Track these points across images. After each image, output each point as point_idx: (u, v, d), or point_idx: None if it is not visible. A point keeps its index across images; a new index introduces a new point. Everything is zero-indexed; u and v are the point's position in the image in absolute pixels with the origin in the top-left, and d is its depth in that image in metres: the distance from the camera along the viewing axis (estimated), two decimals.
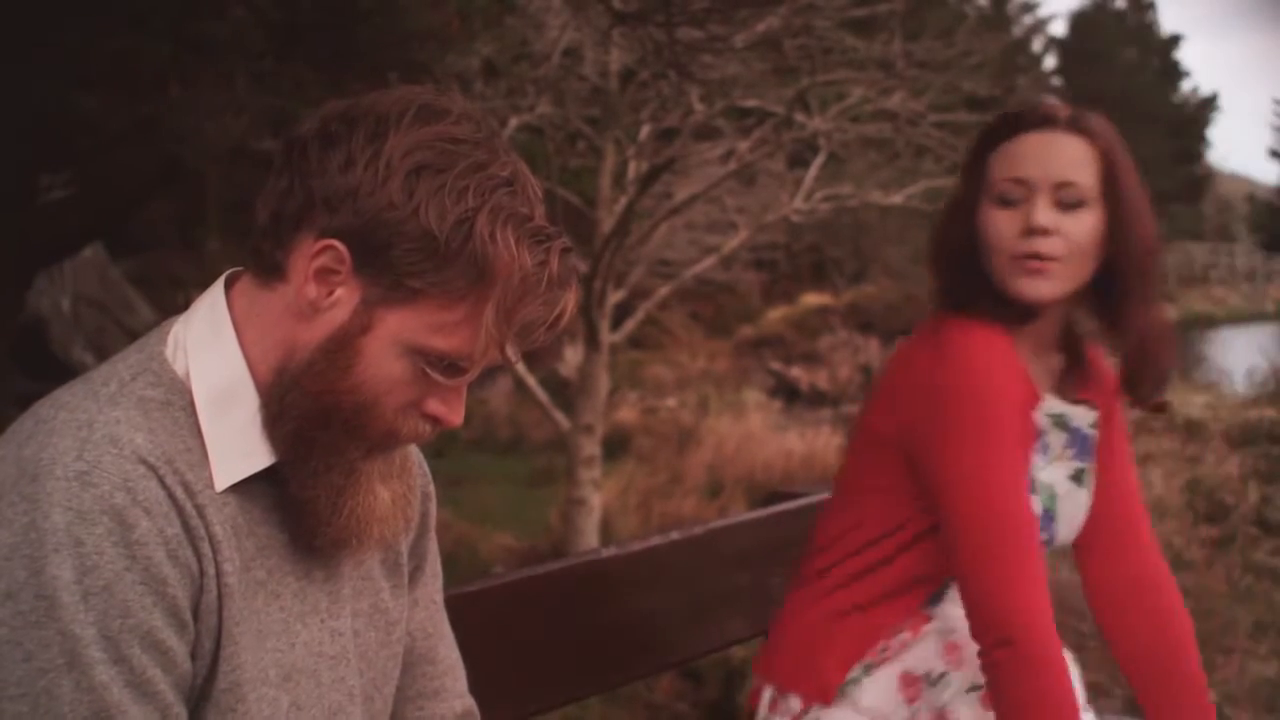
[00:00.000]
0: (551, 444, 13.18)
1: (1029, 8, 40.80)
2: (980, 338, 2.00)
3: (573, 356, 12.30)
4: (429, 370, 1.34)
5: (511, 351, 1.36)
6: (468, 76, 7.37)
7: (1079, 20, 48.61)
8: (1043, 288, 2.00)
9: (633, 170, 8.93)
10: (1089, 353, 2.17)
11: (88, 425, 1.27)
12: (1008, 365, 2.00)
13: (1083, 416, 2.14)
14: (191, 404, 1.35)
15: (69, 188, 6.76)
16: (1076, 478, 2.14)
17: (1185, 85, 51.18)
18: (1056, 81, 45.40)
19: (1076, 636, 5.69)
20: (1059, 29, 61.96)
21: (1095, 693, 5.17)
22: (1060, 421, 2.12)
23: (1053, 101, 2.10)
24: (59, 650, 1.21)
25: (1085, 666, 5.43)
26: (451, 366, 1.35)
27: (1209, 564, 6.44)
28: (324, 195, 1.31)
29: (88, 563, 1.22)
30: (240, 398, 1.36)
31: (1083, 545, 2.22)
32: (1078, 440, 2.14)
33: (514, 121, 8.34)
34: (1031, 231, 1.98)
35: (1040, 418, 2.08)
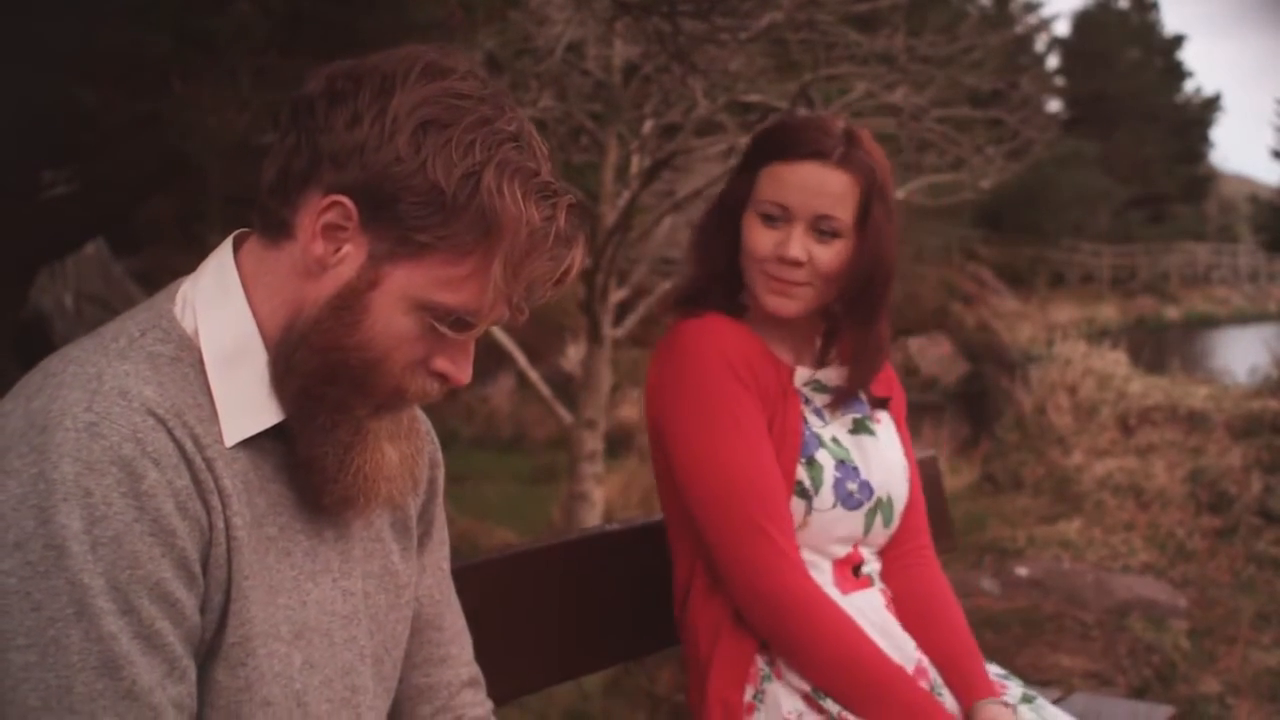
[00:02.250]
0: (554, 441, 13.18)
1: (1032, 7, 40.76)
2: (698, 330, 2.16)
3: (575, 352, 12.31)
4: (437, 325, 1.34)
5: (518, 307, 1.36)
6: None
7: (1082, 20, 48.58)
8: (789, 306, 2.17)
9: (635, 165, 8.92)
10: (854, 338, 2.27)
11: (97, 378, 1.27)
12: (729, 350, 2.13)
13: (834, 375, 2.26)
14: (200, 361, 1.35)
15: (71, 184, 6.76)
16: (856, 429, 2.25)
17: (1188, 85, 51.14)
18: (1059, 81, 45.38)
19: (1080, 626, 5.70)
20: (1062, 29, 61.83)
21: (1098, 681, 5.19)
22: (818, 386, 2.25)
23: (829, 124, 2.18)
24: (68, 600, 1.21)
25: (1088, 656, 5.45)
26: (459, 322, 1.35)
27: (1212, 554, 6.43)
28: (331, 152, 1.31)
29: (96, 513, 1.22)
30: (249, 356, 1.36)
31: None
32: (840, 396, 2.26)
33: None
34: (784, 259, 2.12)
35: (799, 387, 2.22)
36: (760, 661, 2.13)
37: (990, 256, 33.30)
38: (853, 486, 2.17)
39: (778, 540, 2.06)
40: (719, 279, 2.23)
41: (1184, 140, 48.28)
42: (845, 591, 2.18)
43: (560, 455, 11.25)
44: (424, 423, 1.60)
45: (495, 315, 1.36)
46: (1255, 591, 6.07)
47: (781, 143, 2.17)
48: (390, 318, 1.33)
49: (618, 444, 11.93)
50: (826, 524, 2.15)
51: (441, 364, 1.38)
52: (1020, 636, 5.55)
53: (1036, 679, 5.04)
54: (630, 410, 14.07)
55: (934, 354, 24.09)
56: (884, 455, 2.25)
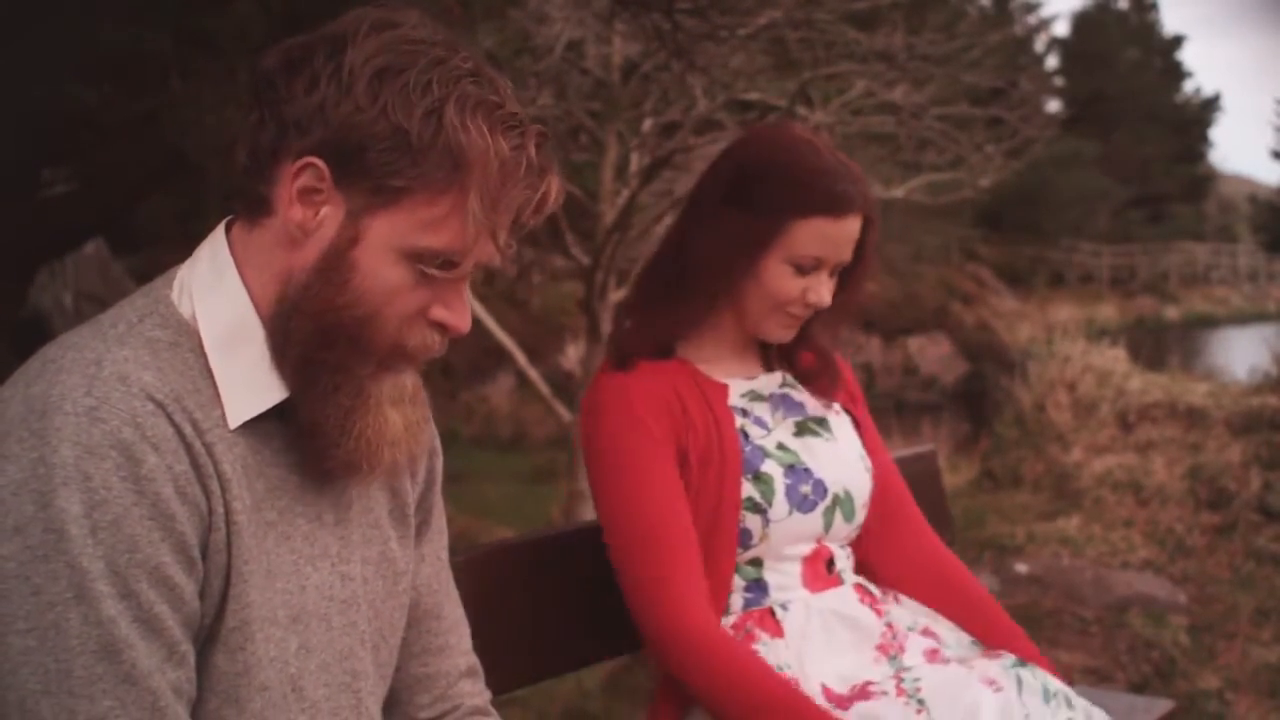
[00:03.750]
0: (553, 441, 13.19)
1: (1031, 7, 40.79)
2: (609, 387, 2.19)
3: (575, 351, 12.30)
4: (425, 269, 1.34)
5: (503, 242, 1.37)
6: None
7: (1081, 20, 48.62)
8: (791, 335, 2.25)
9: (635, 163, 8.93)
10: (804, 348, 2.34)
11: (96, 363, 1.28)
12: (639, 402, 2.16)
13: (768, 382, 2.30)
14: (199, 346, 1.35)
15: (70, 183, 6.76)
16: (800, 430, 2.26)
17: (1187, 86, 51.21)
18: (1059, 81, 45.40)
19: (1079, 623, 5.69)
20: (1061, 29, 61.81)
21: (1097, 677, 5.19)
22: (755, 395, 2.27)
23: (854, 173, 2.17)
24: (67, 583, 1.21)
25: (1087, 652, 5.43)
26: (447, 263, 1.35)
27: (1211, 550, 6.41)
28: (294, 119, 1.32)
29: (96, 497, 1.22)
30: (248, 335, 1.37)
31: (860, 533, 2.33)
32: (778, 402, 2.28)
33: None
34: (811, 305, 2.17)
35: (736, 400, 2.24)
36: None
37: (990, 256, 33.33)
38: (806, 489, 2.18)
39: (676, 589, 2.09)
40: (712, 311, 2.24)
41: (1183, 140, 48.31)
42: (815, 590, 2.19)
43: (560, 454, 11.26)
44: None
45: (482, 252, 1.36)
46: (1254, 587, 6.05)
47: (827, 199, 2.13)
48: (377, 270, 1.34)
49: None
50: (785, 531, 2.17)
51: (439, 313, 1.38)
52: None
53: None
54: None
55: (933, 353, 24.12)
56: (836, 451, 2.25)
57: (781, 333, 2.22)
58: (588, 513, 8.80)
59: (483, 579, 2.09)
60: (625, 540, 2.14)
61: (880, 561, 2.34)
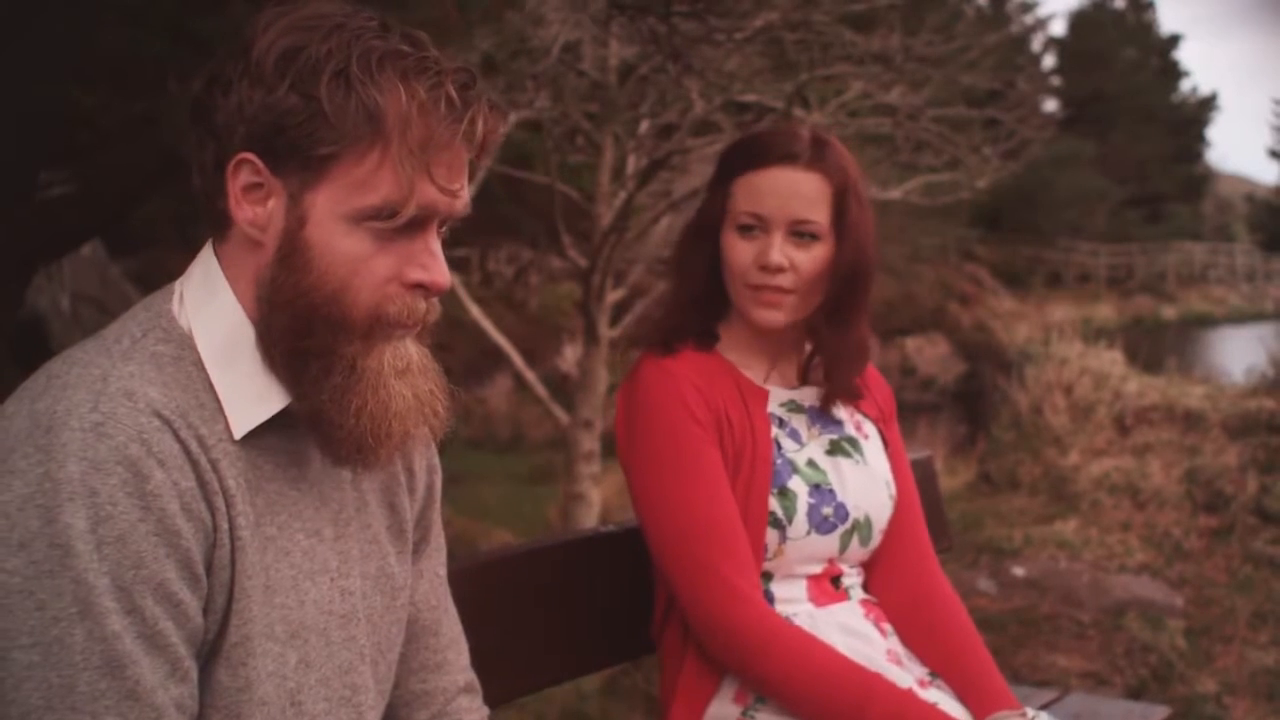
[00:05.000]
0: (551, 442, 13.21)
1: (1028, 7, 40.81)
2: (659, 374, 2.16)
3: (572, 353, 12.30)
4: (376, 227, 1.34)
5: (448, 184, 1.36)
6: None
7: (1078, 20, 48.64)
8: (776, 317, 2.17)
9: (632, 165, 8.94)
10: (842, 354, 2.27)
11: (102, 379, 1.28)
12: (688, 393, 2.13)
13: (810, 394, 2.26)
14: (200, 359, 1.36)
15: (68, 185, 6.75)
16: (833, 450, 2.23)
17: (1184, 85, 51.24)
18: (1056, 81, 45.42)
19: (1077, 626, 5.70)
20: (1058, 28, 61.86)
21: (1094, 680, 5.19)
22: (794, 406, 2.24)
23: (797, 130, 2.19)
24: (72, 599, 1.21)
25: (1084, 656, 5.44)
26: (392, 215, 1.35)
27: (1208, 553, 6.42)
28: (223, 125, 1.34)
29: (102, 513, 1.22)
30: (244, 346, 1.37)
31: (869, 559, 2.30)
32: (816, 416, 2.25)
33: (512, 117, 8.33)
34: (765, 267, 2.12)
35: (775, 409, 2.21)
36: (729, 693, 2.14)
37: (987, 256, 33.36)
38: (828, 511, 2.16)
39: (732, 579, 2.05)
40: (697, 302, 2.23)
41: (1181, 140, 48.34)
42: (821, 605, 2.17)
43: (557, 456, 11.28)
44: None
45: (424, 196, 1.35)
46: (1252, 591, 6.06)
47: (750, 152, 2.17)
48: (332, 244, 1.34)
49: (614, 444, 11.92)
50: (800, 549, 2.14)
51: (414, 273, 1.38)
52: (1017, 636, 5.55)
53: (1033, 679, 5.05)
54: None
55: (931, 354, 24.15)
56: (864, 476, 2.22)
57: (760, 311, 2.16)
58: (586, 515, 8.80)
59: (481, 587, 2.10)
60: (671, 535, 2.09)
61: (878, 586, 2.30)
